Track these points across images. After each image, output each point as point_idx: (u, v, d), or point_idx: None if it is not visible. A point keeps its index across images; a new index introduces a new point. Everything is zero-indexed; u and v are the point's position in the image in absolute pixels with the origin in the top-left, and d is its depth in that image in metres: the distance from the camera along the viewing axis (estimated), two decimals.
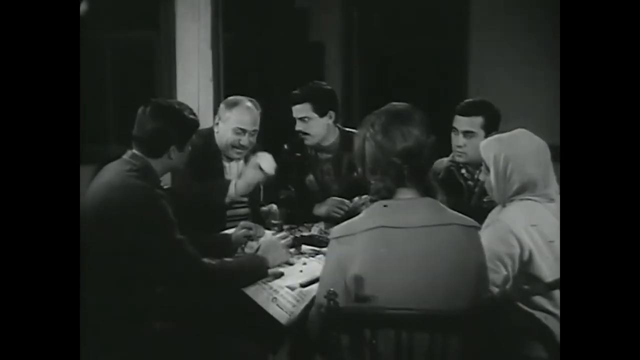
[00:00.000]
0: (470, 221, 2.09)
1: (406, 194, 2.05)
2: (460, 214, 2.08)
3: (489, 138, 2.57)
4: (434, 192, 2.08)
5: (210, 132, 3.27)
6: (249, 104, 3.25)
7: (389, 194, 2.05)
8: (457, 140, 3.07)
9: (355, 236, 2.00)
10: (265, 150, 3.50)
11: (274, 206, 3.18)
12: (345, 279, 1.99)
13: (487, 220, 2.47)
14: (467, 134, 3.03)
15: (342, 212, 3.21)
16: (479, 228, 2.12)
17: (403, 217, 2.01)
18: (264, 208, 3.29)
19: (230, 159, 3.29)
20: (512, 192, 2.40)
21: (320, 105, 3.33)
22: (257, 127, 3.24)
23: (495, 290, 2.30)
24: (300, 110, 3.34)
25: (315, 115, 3.33)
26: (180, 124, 2.47)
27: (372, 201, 2.08)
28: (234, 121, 3.21)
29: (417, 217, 2.01)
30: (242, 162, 3.35)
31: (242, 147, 3.23)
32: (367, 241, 1.98)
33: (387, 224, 1.99)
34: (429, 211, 2.03)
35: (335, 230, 2.08)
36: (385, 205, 2.04)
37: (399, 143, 2.01)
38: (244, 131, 3.21)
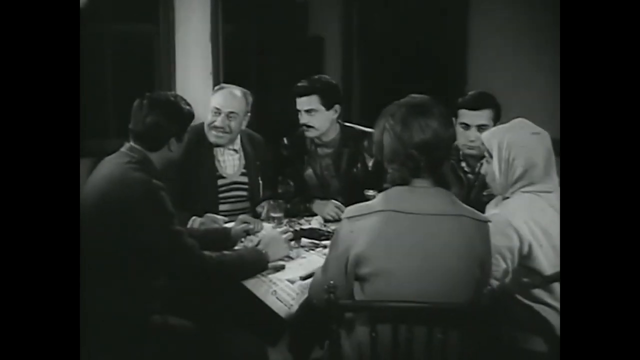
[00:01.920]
0: (482, 216, 2.11)
1: (420, 184, 2.07)
2: (472, 209, 2.11)
3: (491, 129, 2.59)
4: (448, 184, 2.11)
5: (202, 127, 3.28)
6: (235, 90, 3.28)
7: (404, 184, 2.08)
8: (469, 134, 3.04)
9: (365, 217, 2.03)
10: (266, 144, 3.52)
11: (271, 201, 3.17)
12: (348, 258, 2.03)
13: (486, 214, 2.48)
14: (481, 127, 3.01)
15: (337, 217, 3.20)
16: (490, 223, 2.13)
17: (414, 203, 2.03)
18: (258, 208, 3.29)
19: (215, 145, 3.29)
20: (515, 178, 2.40)
21: (328, 98, 3.32)
22: (235, 111, 3.23)
23: (495, 283, 2.30)
24: (306, 102, 3.32)
25: (322, 108, 3.32)
26: (178, 116, 2.49)
27: (386, 188, 2.11)
28: (212, 103, 3.25)
29: (428, 205, 2.03)
30: (236, 156, 3.36)
31: (216, 128, 3.22)
32: (373, 223, 2.01)
33: (397, 208, 2.02)
34: (440, 201, 2.06)
35: (348, 210, 2.12)
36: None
37: (417, 135, 2.03)
38: (219, 112, 3.22)
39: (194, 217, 2.97)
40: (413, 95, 2.16)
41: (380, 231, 2.00)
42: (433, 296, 1.97)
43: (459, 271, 2.00)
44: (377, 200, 2.09)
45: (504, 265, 2.32)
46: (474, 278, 2.03)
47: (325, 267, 2.15)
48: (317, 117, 3.33)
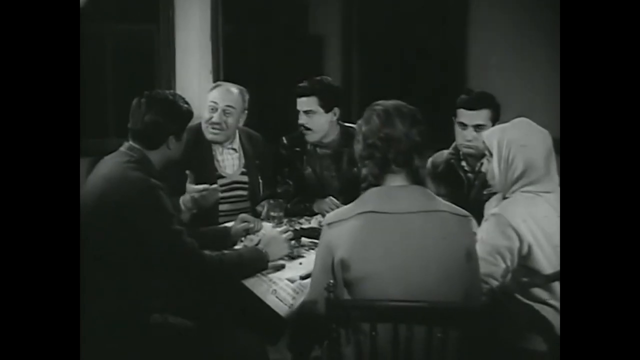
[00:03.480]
0: (462, 211, 2.12)
1: (395, 181, 2.08)
2: (451, 204, 2.12)
3: (492, 128, 2.59)
4: (423, 181, 2.13)
5: (200, 127, 3.27)
6: (231, 87, 3.29)
7: (375, 180, 2.09)
8: (467, 134, 3.04)
9: (344, 222, 2.05)
10: (265, 143, 3.52)
11: (271, 201, 3.17)
12: (334, 265, 2.03)
13: (485, 214, 2.48)
14: (478, 127, 3.01)
15: None
16: (471, 218, 2.14)
17: (392, 203, 2.04)
18: (259, 207, 3.29)
19: (213, 142, 3.28)
20: (515, 177, 2.40)
21: (327, 100, 3.31)
22: (232, 105, 3.23)
23: (495, 283, 2.30)
24: (305, 103, 3.32)
25: (321, 110, 3.32)
26: (176, 115, 2.49)
27: (363, 190, 2.12)
28: (209, 98, 3.25)
29: (406, 203, 2.05)
30: (236, 155, 3.36)
31: (213, 124, 3.22)
32: (354, 226, 2.02)
33: (376, 209, 2.03)
34: (418, 198, 2.07)
35: (328, 216, 2.15)
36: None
37: (378, 128, 2.07)
38: (216, 106, 3.21)
39: (181, 198, 2.84)
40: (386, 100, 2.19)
41: (361, 234, 2.01)
42: (421, 295, 1.97)
43: (443, 267, 2.01)
44: (355, 203, 2.11)
45: (503, 265, 2.32)
46: (461, 271, 2.04)
47: (313, 279, 2.15)
48: (315, 119, 3.32)
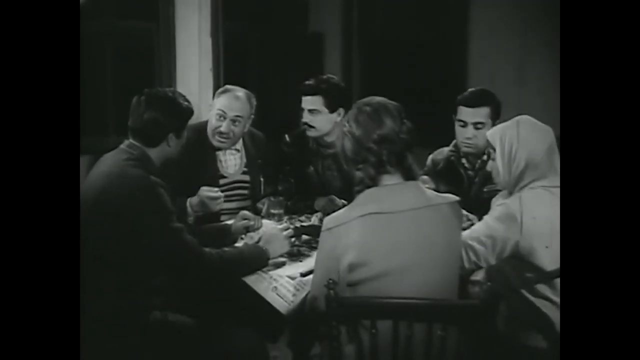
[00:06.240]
0: (451, 197, 2.15)
1: (390, 180, 2.09)
2: (441, 193, 2.16)
3: (495, 127, 2.60)
4: (416, 176, 2.15)
5: (203, 126, 3.26)
6: (238, 93, 3.23)
7: (372, 182, 2.09)
8: (466, 132, 3.05)
9: (347, 225, 2.04)
10: (267, 141, 3.52)
11: (272, 198, 3.17)
12: (339, 269, 2.03)
13: (492, 205, 2.49)
14: (477, 125, 3.02)
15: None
16: (460, 202, 2.17)
17: (391, 202, 2.05)
18: (259, 205, 3.28)
19: (218, 149, 3.27)
20: (519, 173, 2.40)
21: (332, 100, 3.30)
22: (241, 114, 3.19)
23: (472, 267, 2.32)
24: (310, 101, 3.31)
25: (326, 110, 3.30)
26: (176, 112, 2.49)
27: (357, 192, 2.12)
28: (217, 106, 3.21)
29: (405, 201, 2.06)
30: (238, 155, 3.35)
31: (221, 133, 3.19)
32: (358, 229, 2.02)
33: (377, 210, 2.03)
34: (414, 194, 2.09)
35: (327, 221, 2.12)
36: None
37: (371, 130, 2.07)
38: (224, 116, 3.17)
39: (188, 199, 2.92)
40: (368, 98, 2.19)
41: (367, 237, 2.01)
42: (428, 291, 1.98)
43: (450, 258, 2.04)
44: (352, 206, 2.11)
45: (490, 251, 2.32)
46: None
47: (314, 283, 2.14)
48: (318, 118, 3.31)
